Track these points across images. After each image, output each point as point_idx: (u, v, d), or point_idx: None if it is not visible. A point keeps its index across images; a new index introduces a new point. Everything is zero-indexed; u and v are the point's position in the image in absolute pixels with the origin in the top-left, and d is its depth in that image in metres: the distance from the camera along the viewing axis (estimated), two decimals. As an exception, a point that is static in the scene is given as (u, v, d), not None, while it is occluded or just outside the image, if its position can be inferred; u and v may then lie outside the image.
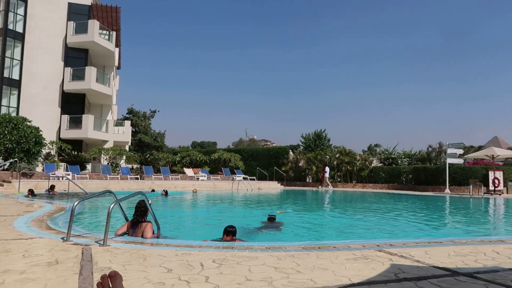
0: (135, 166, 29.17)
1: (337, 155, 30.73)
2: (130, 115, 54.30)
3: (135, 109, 55.35)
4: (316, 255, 4.43)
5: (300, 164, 31.64)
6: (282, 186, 28.64)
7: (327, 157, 30.99)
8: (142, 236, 5.72)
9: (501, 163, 31.69)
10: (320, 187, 28.30)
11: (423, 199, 19.11)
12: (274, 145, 79.52)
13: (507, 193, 22.80)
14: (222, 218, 10.29)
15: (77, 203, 5.44)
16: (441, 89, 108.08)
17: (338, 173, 30.52)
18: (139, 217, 5.90)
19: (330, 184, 28.16)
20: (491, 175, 21.97)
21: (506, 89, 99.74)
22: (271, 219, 8.84)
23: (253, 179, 27.68)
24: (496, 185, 21.66)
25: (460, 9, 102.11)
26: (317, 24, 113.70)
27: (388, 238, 5.96)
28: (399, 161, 31.21)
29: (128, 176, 23.52)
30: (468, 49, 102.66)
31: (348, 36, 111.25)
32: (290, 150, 34.30)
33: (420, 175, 26.18)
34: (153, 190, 18.98)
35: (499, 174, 22.08)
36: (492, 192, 21.53)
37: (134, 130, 50.95)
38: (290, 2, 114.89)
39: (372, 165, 30.45)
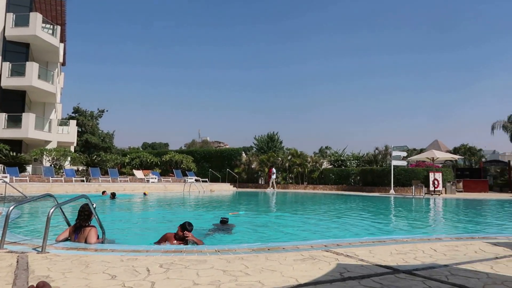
0: (80, 168, 27.89)
1: (289, 157, 31.26)
2: (76, 114, 51.91)
3: (82, 108, 53.00)
4: (265, 257, 4.47)
5: (252, 166, 31.83)
6: (235, 188, 28.66)
7: (280, 159, 31.45)
8: (85, 242, 5.47)
9: (440, 165, 33.79)
10: (267, 188, 28.56)
11: (369, 199, 19.91)
12: (227, 146, 79.35)
13: (446, 193, 24.33)
14: (173, 220, 10.10)
15: (13, 208, 5.10)
16: (389, 94, 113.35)
17: (290, 175, 31.03)
18: (82, 222, 5.64)
19: (275, 186, 28.36)
20: (431, 176, 23.35)
21: (446, 96, 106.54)
22: (223, 221, 8.80)
23: (206, 181, 27.46)
24: (435, 185, 23.06)
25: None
26: (278, 22, 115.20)
27: (336, 238, 6.16)
28: (348, 163, 32.32)
29: (73, 179, 22.45)
30: (411, 56, 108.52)
31: (305, 38, 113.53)
32: (243, 152, 34.42)
33: (367, 177, 27.27)
34: (104, 192, 18.24)
35: (439, 176, 23.52)
36: (432, 193, 22.89)
37: (80, 130, 48.72)
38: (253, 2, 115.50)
39: (323, 167, 31.29)
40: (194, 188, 24.05)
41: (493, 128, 33.50)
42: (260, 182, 31.85)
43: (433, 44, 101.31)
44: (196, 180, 25.74)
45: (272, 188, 28.09)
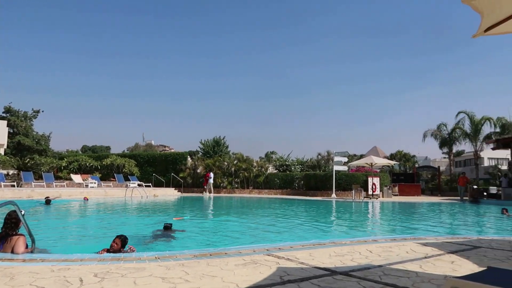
0: (11, 171, 25.93)
1: (235, 162, 31.29)
2: (8, 115, 48.24)
3: (14, 108, 49.35)
4: (206, 263, 4.41)
5: (198, 171, 31.47)
6: (179, 192, 28.14)
7: (226, 163, 31.37)
8: (12, 252, 5.07)
9: (378, 170, 35.56)
10: (204, 192, 28.25)
11: (312, 203, 20.44)
12: (172, 150, 77.81)
13: (383, 197, 25.62)
14: (114, 227, 9.68)
15: None
16: (331, 101, 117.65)
17: (236, 179, 31.04)
18: (8, 230, 5.23)
19: (212, 190, 28.15)
20: (370, 181, 24.50)
21: (383, 103, 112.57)
22: (167, 227, 8.58)
23: (149, 186, 26.69)
24: (374, 190, 24.22)
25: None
26: (223, 35, 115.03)
27: (278, 242, 6.23)
28: (293, 168, 32.98)
29: (2, 183, 20.80)
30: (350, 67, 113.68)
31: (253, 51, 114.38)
32: (189, 156, 33.93)
33: (311, 181, 28.00)
34: (48, 201, 16.30)
35: (377, 180, 24.74)
36: (371, 196, 24.01)
37: (11, 131, 45.33)
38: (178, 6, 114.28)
39: (268, 171, 31.66)
40: (137, 193, 23.28)
41: (424, 136, 35.88)
42: (205, 187, 31.56)
43: (372, 53, 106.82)
44: (139, 185, 24.92)
45: (208, 193, 27.82)
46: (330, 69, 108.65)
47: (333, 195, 24.95)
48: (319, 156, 33.43)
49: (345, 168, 26.86)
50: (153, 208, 16.66)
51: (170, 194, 26.72)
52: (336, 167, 25.60)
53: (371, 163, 25.18)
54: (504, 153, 37.07)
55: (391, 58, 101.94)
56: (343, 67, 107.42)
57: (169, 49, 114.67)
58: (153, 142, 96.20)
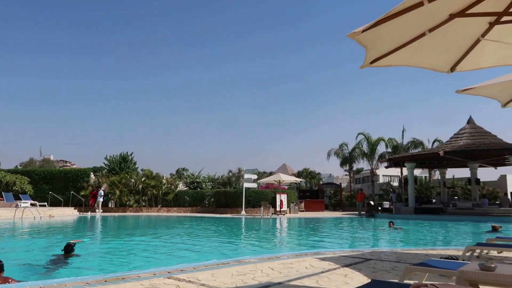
0: None
1: (143, 179, 30.08)
2: None
3: None
4: (99, 291, 4.10)
5: (102, 188, 29.52)
6: (80, 212, 26.07)
7: (132, 180, 29.97)
8: None
9: (286, 187, 36.93)
10: (90, 212, 26.30)
11: (222, 221, 20.42)
12: (74, 166, 72.15)
13: (290, 213, 26.60)
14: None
15: None
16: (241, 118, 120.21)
17: (144, 197, 29.78)
18: None
19: (100, 208, 26.37)
20: (278, 197, 25.32)
21: (294, 123, 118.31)
22: (67, 250, 7.81)
23: (44, 205, 24.28)
24: (281, 206, 25.05)
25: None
26: (126, 35, 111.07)
27: (180, 264, 6.06)
28: (204, 185, 32.73)
29: None
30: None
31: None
32: (92, 173, 31.74)
33: (221, 198, 28.02)
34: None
35: (284, 197, 25.65)
36: (278, 213, 24.78)
37: None
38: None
39: (178, 188, 30.96)
40: (29, 214, 21.01)
41: (328, 154, 38.44)
42: (110, 205, 29.72)
43: (274, 78, 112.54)
44: (32, 205, 22.53)
45: (97, 211, 25.99)
46: (244, 88, 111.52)
47: (243, 212, 25.22)
48: (230, 173, 33.77)
49: (254, 185, 27.41)
50: (48, 230, 15.16)
51: (68, 214, 24.61)
52: (246, 184, 26.00)
53: (279, 180, 26.09)
54: (396, 171, 41.11)
55: (295, 80, 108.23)
56: (253, 90, 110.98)
57: (68, 50, 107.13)
58: (52, 157, 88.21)
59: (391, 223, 15.49)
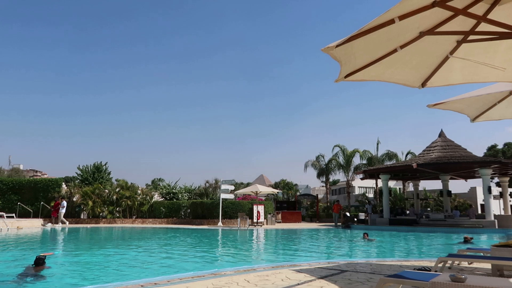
0: None
1: (117, 189, 29.49)
2: None
3: None
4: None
5: (74, 199, 28.77)
6: (51, 223, 25.28)
7: (106, 190, 29.38)
8: None
9: (264, 198, 36.90)
10: (52, 224, 25.26)
11: (198, 232, 20.19)
12: (45, 176, 70.01)
13: (267, 224, 26.57)
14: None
15: None
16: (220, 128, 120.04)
17: (118, 208, 29.17)
18: None
19: (62, 220, 25.43)
20: (255, 209, 25.25)
21: (272, 135, 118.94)
22: (38, 263, 7.56)
23: (12, 217, 23.44)
24: (258, 217, 24.99)
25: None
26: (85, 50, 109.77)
27: (155, 277, 5.95)
28: (180, 196, 32.32)
29: None
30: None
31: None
32: (64, 183, 30.90)
33: (198, 209, 27.74)
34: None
35: (261, 208, 25.62)
36: (255, 224, 24.70)
37: None
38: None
39: (154, 199, 30.50)
40: (-5, 226, 20.21)
41: (306, 166, 38.74)
42: (82, 217, 28.98)
43: (254, 94, 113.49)
44: (-1, 216, 21.70)
45: (61, 223, 25.08)
46: (223, 101, 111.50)
47: (220, 223, 25.04)
48: (207, 184, 33.47)
49: (231, 196, 27.29)
50: (16, 242, 14.61)
51: (38, 225, 23.82)
52: (223, 195, 25.86)
53: (257, 192, 26.08)
54: (371, 182, 41.78)
55: (274, 93, 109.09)
56: (232, 103, 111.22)
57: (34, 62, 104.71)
58: (21, 167, 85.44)
59: (365, 235, 15.70)
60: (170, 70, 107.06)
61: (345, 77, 3.98)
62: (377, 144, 36.08)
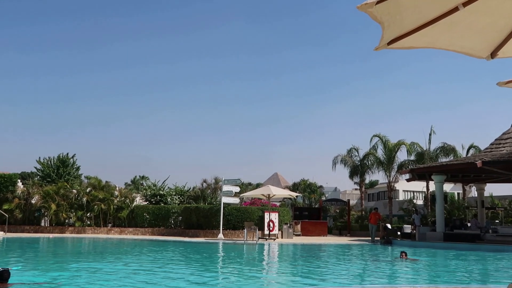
0: None
1: (89, 190, 29.81)
2: None
3: None
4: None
5: (33, 201, 29.16)
6: (2, 232, 25.72)
7: (74, 191, 29.70)
8: None
9: (278, 204, 37.00)
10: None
11: (192, 247, 20.33)
12: (-4, 171, 71.04)
13: (282, 237, 26.63)
14: None
15: None
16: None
17: (89, 214, 29.52)
18: None
19: None
20: (266, 217, 25.31)
21: (289, 123, 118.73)
22: (3, 278, 7.81)
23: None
24: (271, 228, 25.06)
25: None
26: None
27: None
28: (169, 199, 32.54)
29: None
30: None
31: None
32: (20, 180, 31.33)
33: (192, 217, 27.90)
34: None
35: (275, 216, 25.67)
36: (267, 237, 24.78)
37: None
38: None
39: (135, 203, 30.76)
40: None
41: (334, 162, 38.55)
42: (43, 224, 29.36)
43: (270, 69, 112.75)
44: None
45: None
46: (227, 79, 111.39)
47: (220, 235, 25.18)
48: (205, 184, 33.68)
49: (236, 200, 27.39)
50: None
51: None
52: (225, 199, 25.96)
53: (269, 195, 26.11)
54: (420, 185, 41.51)
55: (294, 71, 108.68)
56: (239, 81, 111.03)
57: None
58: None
59: (403, 254, 15.62)
60: (162, 45, 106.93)
61: (388, 44, 3.89)
62: (430, 134, 35.64)
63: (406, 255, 15.53)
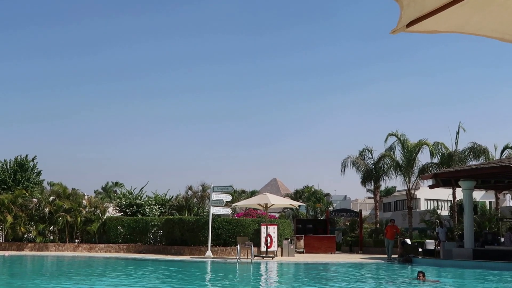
0: None
1: (52, 198, 29.73)
2: None
3: None
4: None
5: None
6: None
7: (35, 200, 29.61)
8: None
9: (277, 215, 36.98)
10: None
11: (176, 266, 20.24)
12: None
13: (282, 255, 26.58)
14: None
15: None
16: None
17: (53, 228, 29.42)
18: None
19: None
20: (263, 230, 25.26)
21: (290, 119, 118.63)
22: None
23: None
24: (268, 244, 25.01)
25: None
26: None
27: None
28: (148, 210, 32.45)
29: None
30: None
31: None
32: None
33: (175, 231, 27.81)
34: None
35: (273, 230, 25.63)
36: (264, 255, 24.72)
37: None
38: None
39: (107, 214, 30.67)
40: None
41: (343, 166, 38.44)
42: (-2, 240, 29.28)
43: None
44: None
45: None
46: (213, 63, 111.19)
47: (208, 252, 25.11)
48: (190, 192, 33.64)
49: (227, 211, 27.32)
50: None
51: None
52: (214, 209, 25.89)
53: (266, 204, 26.03)
54: (445, 193, 41.50)
55: (297, 51, 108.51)
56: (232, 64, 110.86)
57: None
58: None
59: (421, 275, 15.58)
60: (141, 23, 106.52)
61: (407, 26, 3.84)
62: (457, 133, 35.60)
63: (424, 275, 15.49)
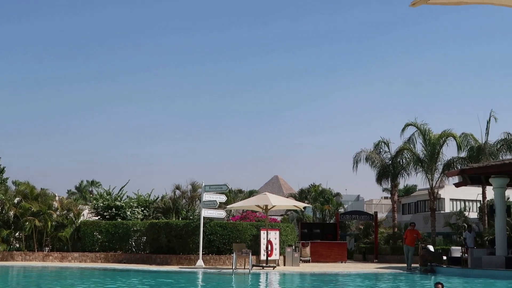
0: None
1: (17, 200, 29.72)
2: None
3: None
4: None
5: None
6: None
7: (-1, 202, 29.64)
8: None
9: (278, 218, 36.96)
10: None
11: (162, 278, 20.28)
12: None
13: (285, 264, 26.57)
14: None
15: None
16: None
17: (19, 234, 29.43)
18: None
19: None
20: (263, 236, 25.25)
21: (293, 108, 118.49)
22: None
23: None
24: (269, 252, 25.00)
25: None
26: None
27: None
28: (129, 213, 32.44)
29: None
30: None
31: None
32: None
33: (161, 237, 27.80)
34: None
35: (275, 235, 25.60)
36: (264, 264, 24.71)
37: None
38: None
39: (82, 218, 30.65)
40: None
41: (356, 161, 38.12)
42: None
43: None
44: None
45: None
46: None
47: (200, 262, 25.14)
48: (178, 192, 33.58)
49: (221, 213, 27.32)
50: None
51: None
52: (205, 212, 25.89)
53: (266, 206, 26.04)
54: (473, 192, 41.36)
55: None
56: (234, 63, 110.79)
57: None
58: None
59: (440, 286, 15.56)
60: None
61: (429, -3, 3.84)
62: (488, 122, 35.50)
63: (443, 287, 15.50)
